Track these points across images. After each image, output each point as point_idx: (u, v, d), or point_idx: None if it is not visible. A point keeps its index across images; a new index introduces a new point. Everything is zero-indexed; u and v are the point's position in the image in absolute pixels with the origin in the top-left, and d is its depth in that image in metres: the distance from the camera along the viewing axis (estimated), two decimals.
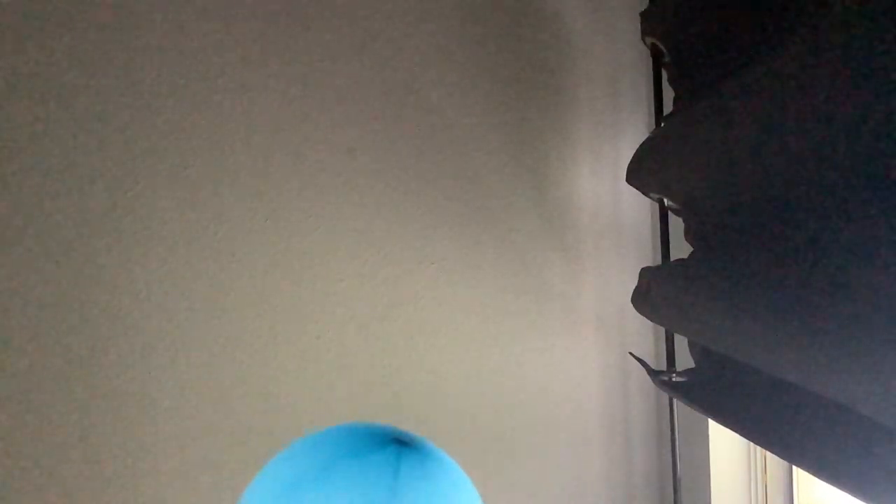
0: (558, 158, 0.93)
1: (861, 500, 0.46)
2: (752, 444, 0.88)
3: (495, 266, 0.90)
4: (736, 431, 0.63)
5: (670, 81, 0.78)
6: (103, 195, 0.73)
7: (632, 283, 0.82)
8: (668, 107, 0.82)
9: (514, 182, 0.91)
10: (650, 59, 0.84)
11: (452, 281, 0.88)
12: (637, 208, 0.98)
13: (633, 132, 0.98)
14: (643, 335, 0.99)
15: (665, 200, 0.79)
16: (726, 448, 0.90)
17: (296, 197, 0.81)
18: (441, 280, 0.87)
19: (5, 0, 0.70)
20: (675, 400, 0.84)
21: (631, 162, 0.79)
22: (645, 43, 0.80)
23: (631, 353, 0.86)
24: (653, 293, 0.75)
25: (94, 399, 0.73)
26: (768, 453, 0.90)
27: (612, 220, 0.97)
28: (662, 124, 0.82)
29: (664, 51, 0.77)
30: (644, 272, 0.79)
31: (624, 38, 0.96)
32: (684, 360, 0.80)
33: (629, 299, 0.81)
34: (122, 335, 0.74)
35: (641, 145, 0.77)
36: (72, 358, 0.72)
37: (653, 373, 0.78)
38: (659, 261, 0.87)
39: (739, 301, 0.56)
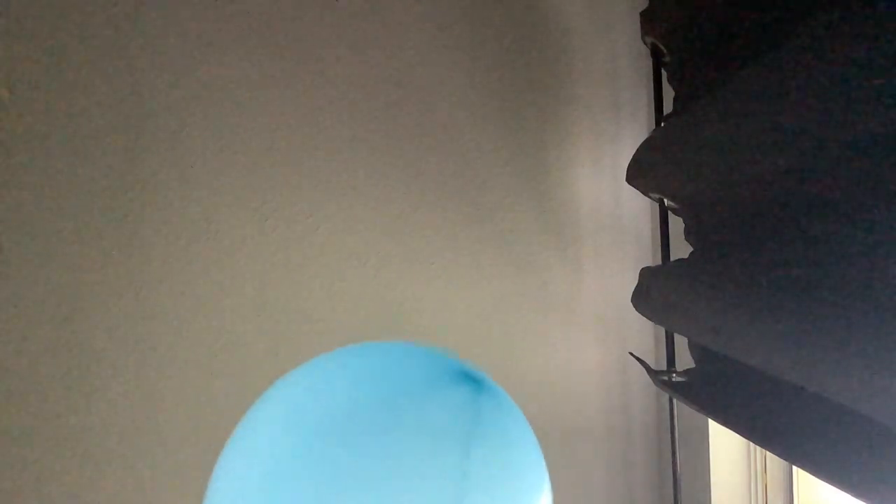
0: (558, 158, 0.93)
1: (861, 500, 0.46)
2: (752, 444, 0.88)
3: (495, 266, 0.90)
4: (736, 431, 0.63)
5: (670, 81, 0.78)
6: (103, 196, 0.73)
7: (632, 283, 0.82)
8: (668, 107, 0.82)
9: (514, 182, 0.91)
10: (650, 59, 0.84)
11: (452, 281, 0.88)
12: (637, 208, 0.98)
13: (633, 132, 0.98)
14: (643, 335, 0.99)
15: (665, 200, 0.79)
16: (726, 448, 0.90)
17: (296, 197, 0.81)
18: (441, 280, 0.87)
19: (6, 1, 0.70)
20: (675, 400, 0.84)
21: (631, 162, 0.79)
22: (645, 43, 0.80)
23: (631, 353, 0.86)
24: (653, 293, 0.75)
25: (93, 400, 0.73)
26: (768, 453, 0.90)
27: (612, 220, 0.97)
28: (662, 124, 0.82)
29: (664, 51, 0.77)
30: (644, 272, 0.79)
31: (624, 38, 0.96)
32: (684, 360, 0.80)
33: (629, 299, 0.81)
34: (121, 336, 0.74)
35: (641, 145, 0.77)
36: (71, 359, 0.72)
37: (653, 373, 0.78)
38: (659, 261, 0.87)
39: (739, 301, 0.56)
